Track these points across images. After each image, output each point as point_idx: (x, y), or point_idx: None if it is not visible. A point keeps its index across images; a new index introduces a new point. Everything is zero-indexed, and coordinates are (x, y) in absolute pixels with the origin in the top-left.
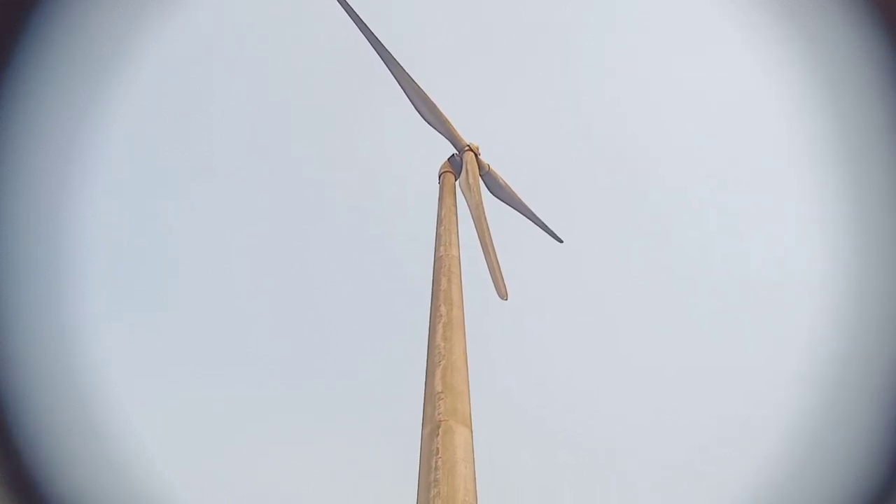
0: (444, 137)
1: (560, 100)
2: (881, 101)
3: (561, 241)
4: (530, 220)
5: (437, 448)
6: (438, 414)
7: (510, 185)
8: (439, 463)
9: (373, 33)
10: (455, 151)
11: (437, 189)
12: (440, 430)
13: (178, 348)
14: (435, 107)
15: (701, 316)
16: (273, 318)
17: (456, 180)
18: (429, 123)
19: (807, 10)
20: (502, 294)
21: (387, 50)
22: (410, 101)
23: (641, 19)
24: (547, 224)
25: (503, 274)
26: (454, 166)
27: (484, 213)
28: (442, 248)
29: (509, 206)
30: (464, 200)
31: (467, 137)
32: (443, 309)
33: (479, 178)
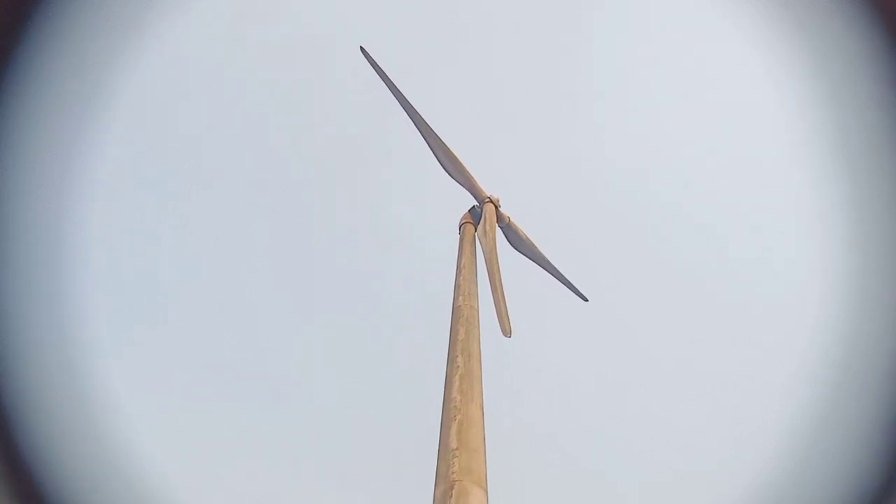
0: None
1: (585, 143)
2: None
3: (586, 300)
4: (553, 275)
5: None
6: (452, 473)
7: (532, 239)
8: None
9: (398, 88)
10: (476, 203)
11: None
12: (454, 491)
13: (181, 351)
14: (457, 160)
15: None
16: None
17: (476, 231)
18: (450, 175)
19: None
20: (506, 331)
21: (411, 104)
22: (433, 152)
23: (662, 57)
24: (571, 281)
25: (508, 311)
26: (474, 217)
27: (496, 254)
28: (461, 298)
29: (531, 260)
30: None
31: (489, 186)
32: (460, 360)
33: (496, 227)
